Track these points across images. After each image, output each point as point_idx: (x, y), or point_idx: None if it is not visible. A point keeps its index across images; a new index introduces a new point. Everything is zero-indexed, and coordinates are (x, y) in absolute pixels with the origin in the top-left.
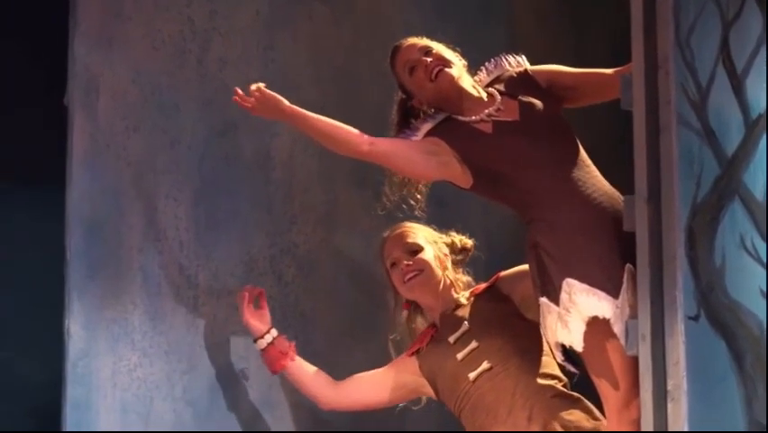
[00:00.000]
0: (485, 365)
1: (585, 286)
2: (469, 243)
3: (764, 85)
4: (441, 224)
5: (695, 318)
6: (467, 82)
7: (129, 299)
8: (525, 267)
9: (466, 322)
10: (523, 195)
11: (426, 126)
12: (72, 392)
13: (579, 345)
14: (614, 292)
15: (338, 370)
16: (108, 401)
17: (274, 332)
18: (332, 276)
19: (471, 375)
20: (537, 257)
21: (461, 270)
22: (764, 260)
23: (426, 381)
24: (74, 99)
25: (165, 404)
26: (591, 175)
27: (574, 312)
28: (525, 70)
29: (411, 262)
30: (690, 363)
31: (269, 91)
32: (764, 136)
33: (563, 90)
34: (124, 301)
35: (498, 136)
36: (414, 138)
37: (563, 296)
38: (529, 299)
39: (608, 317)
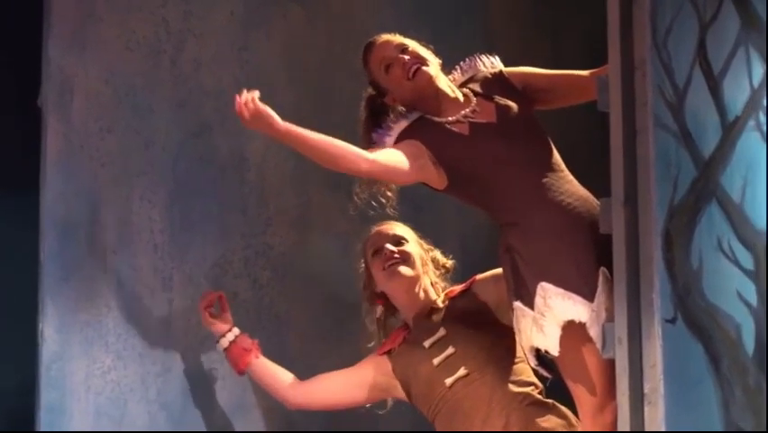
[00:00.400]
0: (462, 372)
1: (560, 290)
2: (449, 263)
3: (741, 86)
4: (416, 227)
5: (672, 321)
6: (443, 82)
7: (103, 302)
8: (501, 271)
9: (443, 328)
10: (497, 198)
11: (400, 126)
12: (46, 396)
13: (554, 350)
14: (589, 296)
15: (313, 373)
16: (82, 405)
17: (236, 330)
18: (306, 279)
19: (448, 381)
20: (511, 261)
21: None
22: (741, 262)
23: (399, 382)
24: (48, 101)
25: (139, 407)
26: (566, 179)
27: (549, 316)
28: (501, 72)
29: (395, 249)
30: (666, 366)
31: (261, 106)
32: (741, 138)
33: (538, 92)
34: (98, 304)
35: (473, 138)
36: (388, 138)
37: (538, 300)
38: (504, 303)
39: (583, 320)
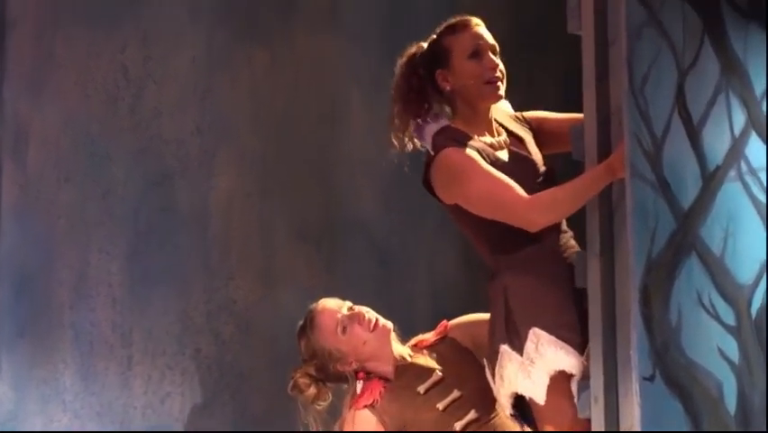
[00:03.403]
0: (472, 415)
1: (553, 338)
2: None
3: (722, 135)
4: (383, 282)
5: (650, 379)
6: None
7: (60, 358)
8: (473, 317)
9: (437, 372)
10: (505, 234)
11: (440, 124)
12: None
13: (541, 398)
14: (581, 348)
15: None
16: None
17: None
18: (271, 334)
19: (458, 425)
20: (505, 302)
21: None
22: (723, 318)
23: (391, 428)
24: (3, 147)
25: None
26: (568, 229)
27: (539, 364)
28: (520, 113)
29: (366, 312)
30: (645, 425)
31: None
32: (722, 189)
33: (548, 135)
34: (55, 360)
35: (512, 165)
36: (428, 129)
37: (529, 346)
38: (481, 349)
39: (574, 373)
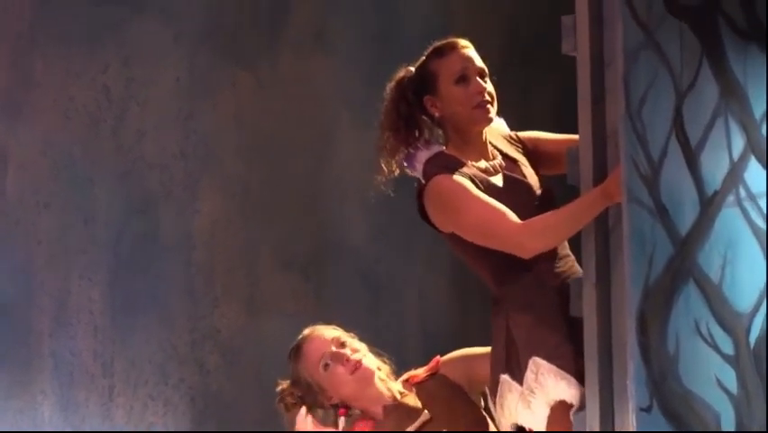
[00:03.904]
0: None
1: (554, 368)
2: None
3: (720, 159)
4: (374, 310)
5: (647, 410)
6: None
7: (38, 389)
8: (467, 351)
9: (425, 412)
10: (506, 262)
11: (432, 150)
12: None
13: (541, 429)
14: (582, 379)
15: None
16: None
17: None
18: (257, 364)
19: None
20: (507, 331)
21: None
22: (721, 347)
23: None
24: None
25: None
26: (572, 256)
27: (540, 394)
28: (516, 134)
29: (350, 352)
30: None
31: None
32: (720, 214)
33: (545, 156)
34: (33, 391)
35: (507, 191)
36: (418, 157)
37: (529, 375)
38: (476, 383)
39: (575, 403)
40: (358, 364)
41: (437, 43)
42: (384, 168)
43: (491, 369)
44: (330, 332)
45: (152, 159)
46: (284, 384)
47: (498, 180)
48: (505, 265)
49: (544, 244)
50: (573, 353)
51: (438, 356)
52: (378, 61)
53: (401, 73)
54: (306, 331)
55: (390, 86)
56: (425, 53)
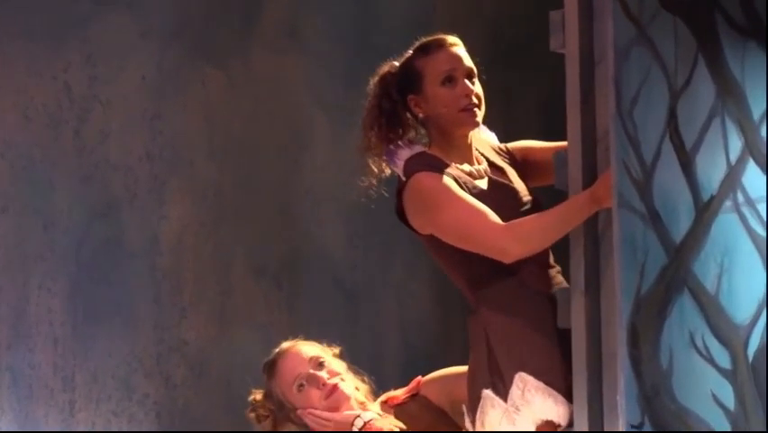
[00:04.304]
0: None
1: (541, 385)
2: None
3: (717, 162)
4: (352, 319)
5: (638, 427)
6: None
7: None
8: (448, 371)
9: None
10: (485, 268)
11: (414, 150)
12: None
13: None
14: (569, 396)
15: None
16: None
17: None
18: (226, 377)
19: None
20: (486, 342)
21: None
22: (717, 360)
23: None
24: None
25: None
26: (555, 264)
27: (525, 412)
28: (504, 146)
29: (326, 375)
30: None
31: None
32: (717, 220)
33: (535, 165)
34: None
35: (491, 194)
36: (399, 154)
37: (515, 391)
38: (458, 404)
39: (562, 424)
40: (334, 389)
41: (424, 39)
42: (374, 168)
43: (469, 383)
44: (309, 349)
45: (117, 161)
46: (257, 394)
47: (482, 184)
48: (483, 272)
49: (528, 249)
50: (561, 368)
51: (420, 377)
52: (354, 60)
53: (385, 68)
54: (285, 345)
55: (373, 81)
56: (411, 49)
